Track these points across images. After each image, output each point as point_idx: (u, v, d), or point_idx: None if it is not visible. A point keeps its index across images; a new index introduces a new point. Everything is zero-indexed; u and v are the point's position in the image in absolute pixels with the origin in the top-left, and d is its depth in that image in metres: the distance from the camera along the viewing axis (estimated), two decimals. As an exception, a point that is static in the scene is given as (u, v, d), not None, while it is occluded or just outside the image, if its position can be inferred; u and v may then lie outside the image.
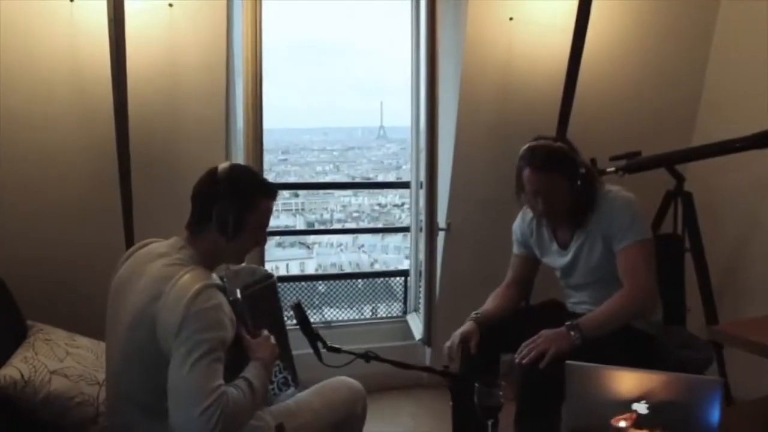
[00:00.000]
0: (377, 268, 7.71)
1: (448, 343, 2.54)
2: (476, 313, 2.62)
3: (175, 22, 2.90)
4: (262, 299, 2.27)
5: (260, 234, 2.01)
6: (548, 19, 3.26)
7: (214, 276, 1.95)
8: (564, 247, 2.63)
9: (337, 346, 2.08)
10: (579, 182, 2.46)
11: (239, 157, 3.15)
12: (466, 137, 3.40)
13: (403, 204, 8.25)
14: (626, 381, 1.85)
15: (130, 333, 1.82)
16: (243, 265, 2.22)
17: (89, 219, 3.00)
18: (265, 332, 2.03)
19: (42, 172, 2.93)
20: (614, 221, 2.47)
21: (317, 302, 4.47)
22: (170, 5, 2.88)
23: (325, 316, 4.27)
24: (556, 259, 2.66)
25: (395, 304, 4.34)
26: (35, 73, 2.81)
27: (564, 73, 3.17)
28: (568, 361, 1.93)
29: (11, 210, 2.89)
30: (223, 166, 1.94)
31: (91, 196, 2.98)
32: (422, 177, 3.50)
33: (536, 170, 2.44)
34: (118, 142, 2.75)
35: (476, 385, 1.89)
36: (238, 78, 3.08)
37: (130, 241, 2.81)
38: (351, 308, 4.41)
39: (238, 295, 2.09)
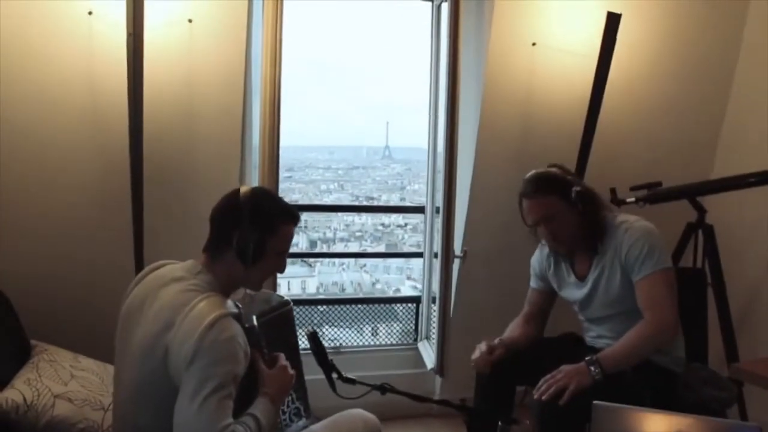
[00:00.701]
0: (378, 287, 7.67)
1: (475, 355, 2.51)
2: (499, 339, 2.59)
3: (194, 37, 2.86)
4: (278, 326, 2.22)
5: (280, 260, 1.94)
6: (571, 45, 3.23)
7: (230, 303, 1.88)
8: (582, 278, 2.58)
9: (352, 377, 2.01)
10: (577, 203, 2.43)
11: (254, 176, 3.11)
12: (485, 163, 3.36)
13: (406, 225, 8.23)
14: (656, 423, 1.80)
15: (140, 361, 1.76)
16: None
17: (98, 236, 2.94)
18: (283, 358, 1.96)
19: (51, 186, 2.87)
20: (632, 250, 2.42)
21: (317, 321, 4.39)
22: (190, 21, 2.83)
23: (325, 335, 4.22)
24: (574, 292, 2.61)
25: (395, 324, 4.31)
26: (50, 87, 2.76)
27: (586, 100, 3.15)
28: (595, 402, 1.87)
29: (18, 225, 2.84)
30: (245, 189, 1.89)
31: (102, 213, 2.93)
32: (438, 202, 3.46)
33: (529, 198, 2.47)
34: (132, 158, 2.70)
35: (499, 423, 1.83)
36: (256, 96, 3.03)
37: (139, 260, 2.75)
38: (350, 328, 4.35)
39: (254, 322, 2.03)
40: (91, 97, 2.81)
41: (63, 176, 2.88)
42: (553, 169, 2.50)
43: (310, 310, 4.36)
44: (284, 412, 2.16)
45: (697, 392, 2.47)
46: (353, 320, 4.35)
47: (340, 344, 4.07)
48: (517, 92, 3.32)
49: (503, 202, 3.27)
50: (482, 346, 2.51)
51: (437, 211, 3.51)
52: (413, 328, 4.13)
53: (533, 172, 2.50)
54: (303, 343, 2.35)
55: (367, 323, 4.41)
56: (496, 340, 2.57)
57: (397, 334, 4.30)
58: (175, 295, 1.77)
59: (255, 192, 1.89)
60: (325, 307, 4.54)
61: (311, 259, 7.75)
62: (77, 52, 2.74)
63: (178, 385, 1.66)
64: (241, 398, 1.73)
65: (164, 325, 1.72)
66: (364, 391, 2.00)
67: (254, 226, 1.83)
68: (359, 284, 7.91)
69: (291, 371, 1.95)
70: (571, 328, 2.75)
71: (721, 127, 3.67)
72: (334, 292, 7.43)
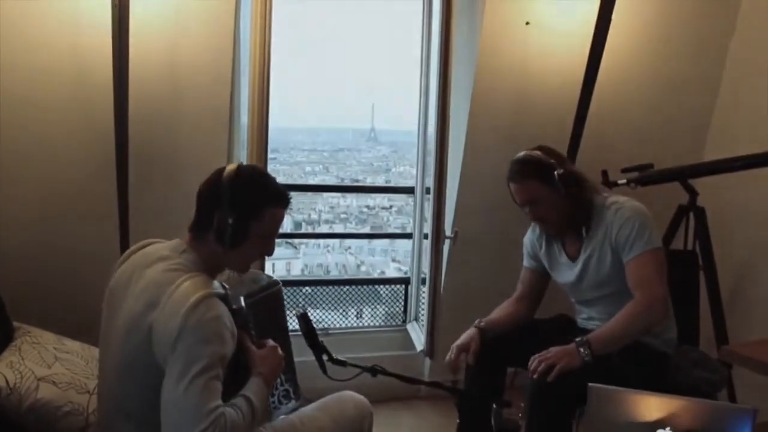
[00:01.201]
0: (363, 270, 7.68)
1: (448, 356, 2.52)
2: (480, 321, 2.58)
3: (181, 11, 2.79)
4: (267, 307, 2.18)
5: (266, 243, 1.88)
6: (565, 24, 3.20)
7: (216, 283, 1.84)
8: (573, 258, 2.57)
9: (342, 358, 2.00)
10: (560, 187, 2.42)
11: (242, 155, 3.05)
12: (477, 144, 3.34)
13: (391, 207, 8.22)
14: (650, 406, 1.79)
15: (125, 341, 1.72)
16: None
17: (83, 216, 2.89)
18: (271, 342, 1.93)
19: (33, 164, 2.82)
20: (622, 231, 2.42)
21: (302, 302, 4.39)
22: (177, -6, 2.78)
23: (310, 316, 4.15)
24: (566, 272, 2.60)
25: (380, 307, 4.29)
26: (34, 64, 2.70)
27: (579, 81, 3.12)
28: (590, 384, 1.85)
29: (-1, 204, 2.78)
30: (230, 168, 1.81)
31: (86, 192, 2.88)
32: (428, 183, 3.43)
33: (513, 182, 2.49)
34: (117, 136, 2.65)
35: (494, 406, 1.81)
36: (244, 72, 2.97)
37: (125, 240, 2.72)
38: (335, 310, 4.34)
39: (242, 303, 1.99)
40: (76, 73, 2.75)
41: (46, 156, 2.82)
42: (536, 153, 2.48)
43: (295, 291, 4.34)
44: (273, 395, 2.12)
45: (687, 374, 2.48)
46: (338, 302, 4.34)
47: (327, 326, 4.04)
48: (510, 71, 3.29)
49: (495, 183, 3.26)
50: (453, 350, 2.51)
51: (427, 192, 3.50)
52: (399, 310, 4.12)
53: (519, 154, 2.51)
54: (293, 324, 2.32)
55: (352, 305, 4.42)
56: (479, 321, 2.57)
57: (382, 316, 4.30)
58: (160, 274, 1.73)
59: (240, 172, 1.81)
60: (309, 288, 4.53)
61: (296, 241, 7.73)
62: (61, 25, 2.68)
63: (164, 365, 1.62)
64: (232, 381, 1.69)
65: (148, 304, 1.67)
66: (354, 373, 1.98)
67: (234, 210, 1.75)
68: (344, 266, 7.91)
69: (279, 352, 1.91)
70: (563, 310, 2.74)
71: (713, 109, 3.66)
72: (319, 274, 7.44)
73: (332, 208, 8.49)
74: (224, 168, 1.83)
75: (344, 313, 4.37)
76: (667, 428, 1.73)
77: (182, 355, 1.59)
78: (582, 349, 2.27)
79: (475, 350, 2.48)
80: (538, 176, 2.44)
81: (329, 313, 4.31)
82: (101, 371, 1.86)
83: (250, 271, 2.17)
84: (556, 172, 2.43)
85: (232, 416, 1.63)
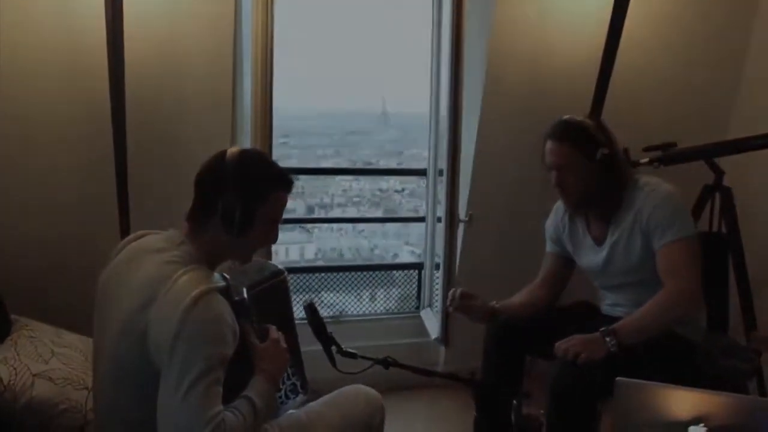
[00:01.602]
0: (377, 253, 7.73)
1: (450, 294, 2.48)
2: (495, 302, 2.52)
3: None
4: (272, 298, 2.08)
5: (272, 229, 1.79)
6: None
7: (217, 276, 1.74)
8: (599, 242, 2.46)
9: (352, 351, 1.91)
10: (598, 166, 2.31)
11: (246, 140, 2.98)
12: (492, 124, 3.23)
13: (404, 189, 8.19)
14: (683, 401, 1.69)
15: (118, 339, 1.62)
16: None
17: (81, 204, 2.85)
18: (274, 331, 1.83)
19: (28, 149, 2.77)
20: (654, 215, 2.31)
21: (315, 286, 4.40)
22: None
23: (324, 300, 4.20)
24: (590, 256, 2.50)
25: (394, 290, 4.26)
26: (27, 45, 2.64)
27: (598, 57, 3.01)
28: (618, 378, 1.75)
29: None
30: (232, 150, 1.73)
31: (84, 179, 2.83)
32: (441, 165, 3.37)
33: (552, 141, 2.37)
34: (114, 120, 2.58)
35: (514, 402, 1.71)
36: (247, 57, 2.89)
37: (125, 229, 2.66)
38: (349, 294, 4.33)
39: (245, 295, 1.89)
40: (69, 52, 2.69)
41: (44, 141, 2.76)
42: (588, 122, 2.37)
43: (308, 276, 4.35)
44: (280, 389, 2.03)
45: (717, 363, 2.36)
46: (351, 286, 4.33)
47: (340, 311, 3.99)
48: (526, 47, 3.18)
49: (511, 164, 3.19)
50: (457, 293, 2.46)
51: (440, 174, 3.43)
52: (413, 294, 4.07)
53: (567, 116, 2.39)
54: (300, 313, 2.22)
55: (366, 289, 4.41)
56: (495, 302, 2.51)
57: (396, 298, 4.29)
58: (156, 268, 1.63)
59: (244, 154, 1.73)
60: (323, 273, 4.54)
61: (309, 225, 7.73)
62: (55, 7, 2.62)
63: (160, 367, 1.52)
64: (233, 380, 1.60)
65: (144, 300, 1.58)
66: (365, 365, 1.91)
67: (241, 193, 1.67)
68: (357, 250, 7.92)
69: (283, 345, 1.82)
70: (586, 295, 2.66)
71: (739, 85, 3.54)
72: (333, 258, 7.48)
73: (345, 191, 8.50)
74: (225, 152, 1.73)
75: (358, 297, 4.37)
76: (701, 425, 1.62)
77: (180, 358, 1.49)
78: (608, 339, 2.18)
79: (469, 306, 2.44)
80: (580, 145, 2.33)
81: (342, 297, 4.31)
82: (95, 369, 1.78)
83: (254, 260, 2.07)
84: (600, 151, 2.31)
85: (233, 422, 1.54)
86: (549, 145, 2.37)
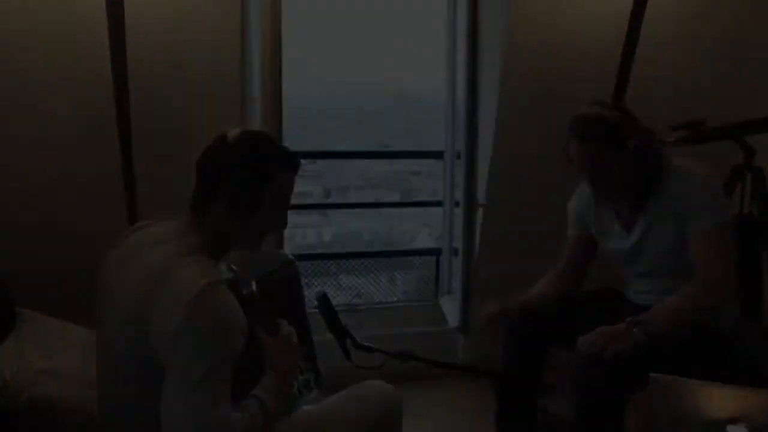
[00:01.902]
0: (394, 236, 7.80)
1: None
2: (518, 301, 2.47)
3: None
4: (282, 290, 2.00)
5: (280, 214, 1.70)
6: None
7: (223, 267, 1.67)
8: (628, 227, 2.36)
9: (368, 344, 1.84)
10: (630, 158, 2.19)
11: (255, 124, 2.90)
12: (511, 104, 3.12)
13: (420, 172, 8.17)
14: (720, 398, 1.64)
15: (120, 333, 1.55)
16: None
17: (88, 192, 2.78)
18: (285, 326, 1.75)
19: (32, 136, 2.71)
20: (690, 199, 2.20)
21: (333, 270, 4.41)
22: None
23: (343, 284, 4.23)
24: (618, 242, 2.40)
25: (413, 272, 4.30)
26: (29, 32, 2.57)
27: (622, 33, 2.90)
28: (652, 374, 1.70)
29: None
30: (233, 131, 1.65)
31: (89, 165, 2.76)
32: (458, 147, 3.31)
33: (577, 141, 2.23)
34: (118, 106, 2.53)
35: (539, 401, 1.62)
36: (255, 33, 2.81)
37: (133, 217, 2.62)
38: (366, 277, 4.34)
39: (253, 287, 1.82)
40: (70, 31, 2.60)
41: (42, 124, 2.70)
42: (610, 113, 2.22)
43: (325, 261, 4.35)
44: (293, 387, 1.95)
45: (749, 353, 2.30)
46: (369, 269, 4.33)
47: (358, 292, 3.95)
48: (545, 24, 3.05)
49: (532, 146, 3.08)
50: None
51: (458, 157, 3.35)
52: (432, 278, 3.99)
53: (588, 110, 2.24)
54: (313, 301, 2.15)
55: (384, 272, 4.42)
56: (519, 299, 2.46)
57: (415, 281, 4.27)
58: (159, 259, 1.55)
59: (246, 134, 1.65)
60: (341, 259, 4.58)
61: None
62: None
63: (163, 363, 1.45)
64: (244, 375, 1.52)
65: (145, 293, 1.50)
66: (381, 359, 1.84)
67: (247, 173, 1.59)
68: (375, 232, 7.94)
69: (295, 341, 1.74)
70: (610, 281, 2.57)
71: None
72: (350, 241, 7.52)
73: (361, 174, 8.52)
74: (225, 134, 1.65)
75: (375, 280, 4.35)
76: (741, 424, 1.57)
77: (185, 354, 1.42)
78: (636, 330, 2.09)
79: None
80: (607, 141, 2.19)
81: (361, 280, 4.32)
82: (98, 365, 1.71)
83: (263, 250, 1.99)
84: (629, 143, 2.19)
85: (240, 422, 1.47)
86: (574, 146, 2.24)
